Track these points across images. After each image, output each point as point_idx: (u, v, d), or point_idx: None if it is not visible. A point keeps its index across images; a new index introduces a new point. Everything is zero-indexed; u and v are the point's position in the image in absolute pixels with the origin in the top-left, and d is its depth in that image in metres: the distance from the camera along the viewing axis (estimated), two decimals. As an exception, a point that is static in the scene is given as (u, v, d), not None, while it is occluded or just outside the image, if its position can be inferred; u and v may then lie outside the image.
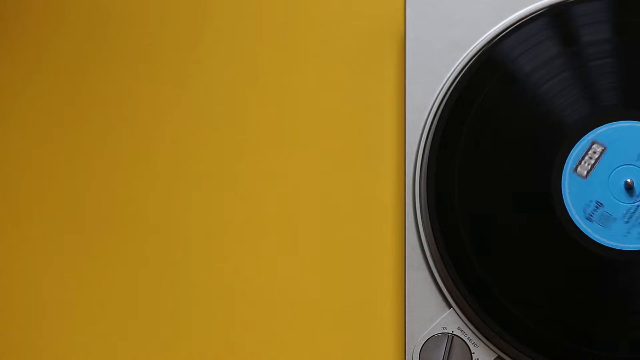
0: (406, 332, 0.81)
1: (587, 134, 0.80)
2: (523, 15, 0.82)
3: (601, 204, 0.79)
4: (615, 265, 0.78)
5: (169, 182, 0.89)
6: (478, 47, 0.83)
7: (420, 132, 0.83)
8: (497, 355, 0.80)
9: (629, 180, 0.79)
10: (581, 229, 0.79)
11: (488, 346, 0.80)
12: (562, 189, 0.79)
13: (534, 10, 0.82)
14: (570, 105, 0.80)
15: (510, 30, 0.82)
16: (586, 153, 0.79)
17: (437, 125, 0.82)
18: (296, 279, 0.86)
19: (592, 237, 0.79)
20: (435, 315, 0.81)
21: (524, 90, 0.81)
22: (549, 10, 0.82)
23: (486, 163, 0.80)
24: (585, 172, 0.79)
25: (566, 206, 0.79)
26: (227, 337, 0.86)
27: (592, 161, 0.79)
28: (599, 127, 0.80)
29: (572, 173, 0.79)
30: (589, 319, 0.78)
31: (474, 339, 0.80)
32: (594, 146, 0.79)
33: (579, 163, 0.79)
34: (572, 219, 0.79)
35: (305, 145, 0.88)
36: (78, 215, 0.89)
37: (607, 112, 0.80)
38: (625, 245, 0.79)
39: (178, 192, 0.88)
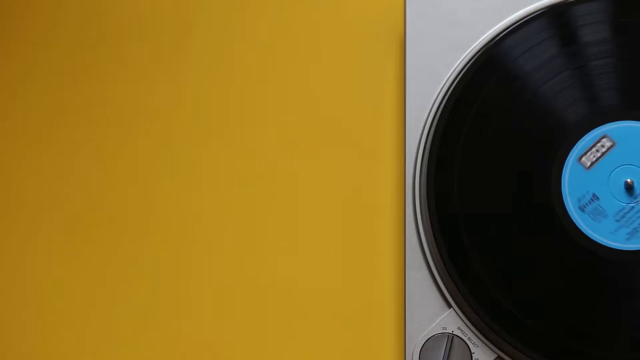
0: (406, 332, 0.81)
1: (595, 129, 0.80)
2: (523, 15, 0.82)
3: (597, 197, 0.79)
4: (602, 260, 0.78)
5: (168, 181, 0.89)
6: (478, 47, 0.83)
7: (420, 132, 0.83)
8: (497, 355, 0.80)
9: (629, 180, 0.79)
10: (572, 218, 0.79)
11: (488, 346, 0.80)
12: (562, 179, 0.79)
13: (534, 10, 0.82)
14: (570, 105, 0.80)
15: (510, 30, 0.82)
16: (594, 145, 0.79)
17: (437, 125, 0.82)
18: (296, 279, 0.86)
19: (580, 228, 0.79)
20: (435, 315, 0.81)
21: (524, 90, 0.81)
22: (549, 10, 0.82)
23: (486, 163, 0.80)
24: (589, 163, 0.79)
25: (562, 194, 0.79)
26: (226, 337, 0.86)
27: (599, 154, 0.79)
28: (611, 123, 0.80)
29: (576, 162, 0.79)
30: (589, 319, 0.78)
31: (474, 339, 0.80)
32: (603, 140, 0.79)
33: (585, 153, 0.79)
34: (566, 206, 0.79)
35: (305, 145, 0.88)
36: (75, 214, 0.89)
37: (607, 112, 0.80)
38: (611, 243, 0.79)
39: (178, 192, 0.88)
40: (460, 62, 0.83)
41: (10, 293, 0.88)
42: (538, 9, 0.82)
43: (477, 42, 0.83)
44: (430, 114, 0.83)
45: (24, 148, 0.90)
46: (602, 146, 0.80)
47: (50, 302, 0.88)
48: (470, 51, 0.83)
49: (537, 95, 0.80)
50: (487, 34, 0.83)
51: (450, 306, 0.81)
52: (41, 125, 0.90)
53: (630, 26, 0.81)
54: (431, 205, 0.81)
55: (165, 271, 0.88)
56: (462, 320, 0.80)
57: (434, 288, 0.81)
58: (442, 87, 0.83)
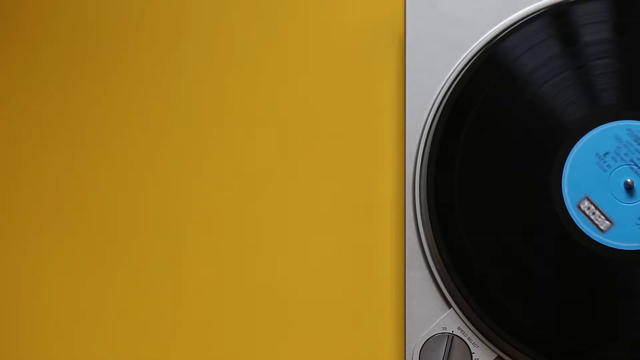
0: (406, 332, 0.81)
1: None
2: (523, 15, 0.82)
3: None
4: (603, 260, 0.78)
5: (167, 181, 0.89)
6: (478, 47, 0.83)
7: (420, 132, 0.83)
8: (497, 355, 0.80)
9: (629, 180, 0.79)
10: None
11: (488, 346, 0.80)
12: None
13: (534, 10, 0.82)
14: (570, 105, 0.80)
15: (510, 30, 0.82)
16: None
17: (437, 125, 0.82)
18: (296, 279, 0.86)
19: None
20: (435, 315, 0.81)
21: (524, 90, 0.81)
22: (549, 10, 0.82)
23: (486, 163, 0.80)
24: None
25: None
26: (226, 337, 0.86)
27: None
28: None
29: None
30: (589, 319, 0.78)
31: (474, 339, 0.80)
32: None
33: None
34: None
35: (305, 145, 0.88)
36: (67, 213, 0.89)
37: (607, 112, 0.80)
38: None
39: (177, 192, 0.88)
40: (460, 62, 0.83)
41: (10, 295, 0.88)
42: (538, 9, 0.82)
43: (477, 42, 0.83)
44: (430, 114, 0.83)
45: (17, 147, 0.90)
46: None
47: (41, 302, 0.88)
48: (470, 51, 0.83)
49: (537, 95, 0.80)
50: (487, 34, 0.83)
51: (450, 306, 0.81)
52: (36, 125, 0.90)
53: (630, 26, 0.81)
54: (431, 205, 0.81)
55: (166, 272, 0.88)
56: (462, 320, 0.80)
57: (434, 288, 0.81)
58: (442, 87, 0.83)
